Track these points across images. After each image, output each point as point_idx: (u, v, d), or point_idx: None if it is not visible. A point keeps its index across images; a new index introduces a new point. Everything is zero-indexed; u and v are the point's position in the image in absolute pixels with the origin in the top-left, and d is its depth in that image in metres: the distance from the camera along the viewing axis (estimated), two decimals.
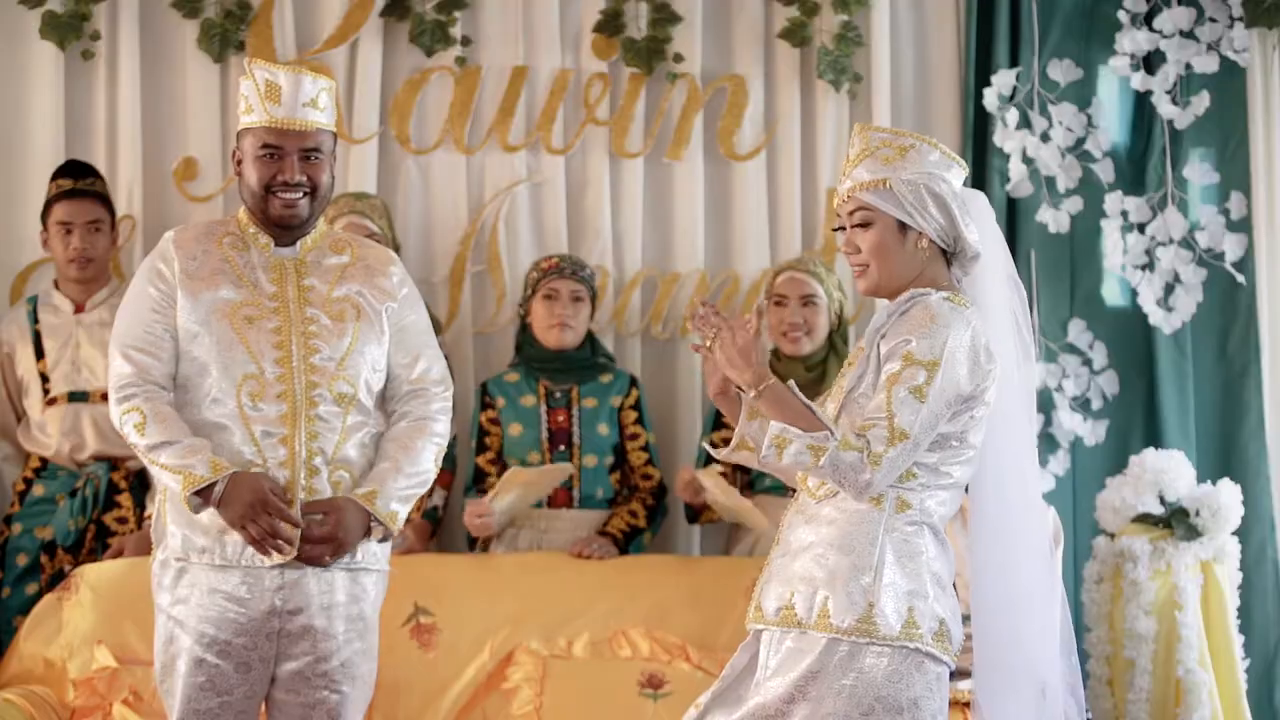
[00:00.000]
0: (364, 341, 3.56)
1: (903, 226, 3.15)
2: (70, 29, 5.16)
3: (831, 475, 3.03)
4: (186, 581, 3.53)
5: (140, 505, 4.84)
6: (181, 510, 3.50)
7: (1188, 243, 5.50)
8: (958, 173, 3.19)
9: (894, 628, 3.05)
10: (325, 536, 3.46)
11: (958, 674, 4.52)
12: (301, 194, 3.54)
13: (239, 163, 3.59)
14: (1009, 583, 3.21)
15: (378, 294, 3.60)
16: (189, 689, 3.52)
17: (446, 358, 5.04)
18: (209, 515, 3.45)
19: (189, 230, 3.65)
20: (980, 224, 3.21)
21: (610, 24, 5.36)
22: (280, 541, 3.41)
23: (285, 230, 3.58)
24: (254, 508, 3.39)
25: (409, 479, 3.55)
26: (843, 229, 3.21)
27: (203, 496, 3.41)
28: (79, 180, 4.92)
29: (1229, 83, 5.51)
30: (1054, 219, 5.46)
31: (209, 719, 3.52)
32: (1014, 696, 3.25)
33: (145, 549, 4.55)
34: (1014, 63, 5.49)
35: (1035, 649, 3.26)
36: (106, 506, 4.84)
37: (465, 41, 5.34)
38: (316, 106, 3.53)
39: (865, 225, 3.17)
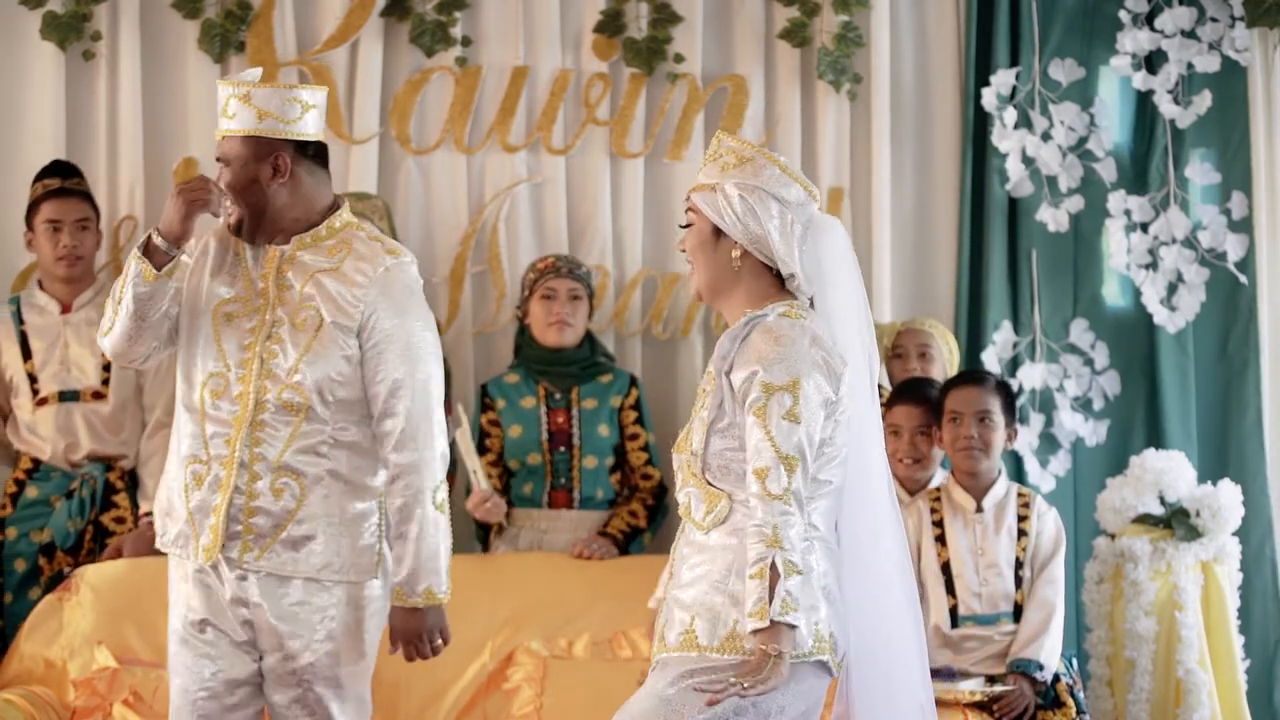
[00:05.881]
0: (318, 354, 3.49)
1: (717, 232, 3.20)
2: (71, 29, 5.16)
3: (772, 539, 3.03)
4: (174, 569, 3.61)
5: (136, 505, 4.84)
6: (159, 501, 3.60)
7: (1190, 242, 5.50)
8: (798, 193, 3.21)
9: (805, 644, 3.06)
10: (409, 656, 3.58)
11: (960, 674, 4.54)
12: (229, 201, 3.55)
13: None
14: (871, 586, 3.22)
15: (349, 301, 3.51)
16: (181, 669, 3.57)
17: (446, 360, 5.08)
18: (171, 501, 3.56)
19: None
20: (832, 251, 3.25)
21: (610, 24, 5.36)
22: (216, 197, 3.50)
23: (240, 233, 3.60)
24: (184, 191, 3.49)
25: (421, 553, 3.50)
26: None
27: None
28: (66, 180, 4.92)
29: (1230, 82, 5.52)
30: (1053, 218, 5.46)
31: (200, 700, 3.55)
32: (888, 708, 3.27)
33: (144, 549, 4.56)
34: (1014, 62, 5.50)
35: (904, 659, 3.28)
36: (104, 507, 4.84)
37: (465, 42, 5.34)
38: (226, 114, 3.55)
39: (690, 226, 3.24)
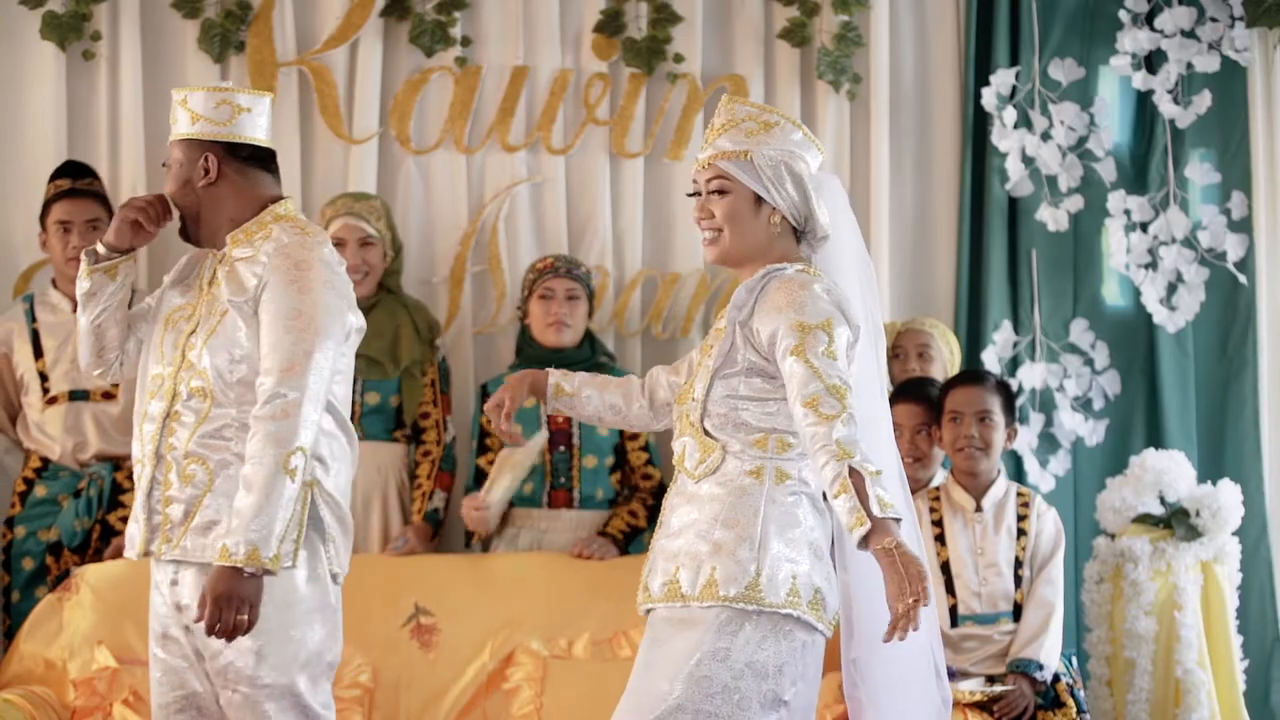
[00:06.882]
0: (218, 336, 3.49)
1: (758, 199, 3.22)
2: (71, 29, 5.16)
3: (841, 452, 3.04)
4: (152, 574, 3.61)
5: None
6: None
7: (1190, 242, 5.50)
8: (815, 155, 3.27)
9: (779, 595, 3.10)
10: (209, 624, 3.34)
11: (959, 675, 4.54)
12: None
13: None
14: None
15: (248, 278, 3.49)
16: (153, 682, 3.58)
17: (445, 358, 5.10)
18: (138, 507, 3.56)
19: None
20: (833, 207, 3.29)
21: (610, 24, 5.36)
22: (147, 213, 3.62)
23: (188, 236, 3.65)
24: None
25: (250, 510, 3.33)
26: (698, 194, 3.29)
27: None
28: (78, 180, 4.94)
29: (1230, 82, 5.52)
30: (1053, 218, 5.46)
31: (172, 713, 3.55)
32: (892, 666, 3.28)
33: None
34: (1014, 62, 5.50)
35: (917, 650, 3.29)
36: (111, 506, 4.85)
37: (465, 41, 5.34)
38: (172, 120, 3.62)
39: (721, 193, 3.24)
